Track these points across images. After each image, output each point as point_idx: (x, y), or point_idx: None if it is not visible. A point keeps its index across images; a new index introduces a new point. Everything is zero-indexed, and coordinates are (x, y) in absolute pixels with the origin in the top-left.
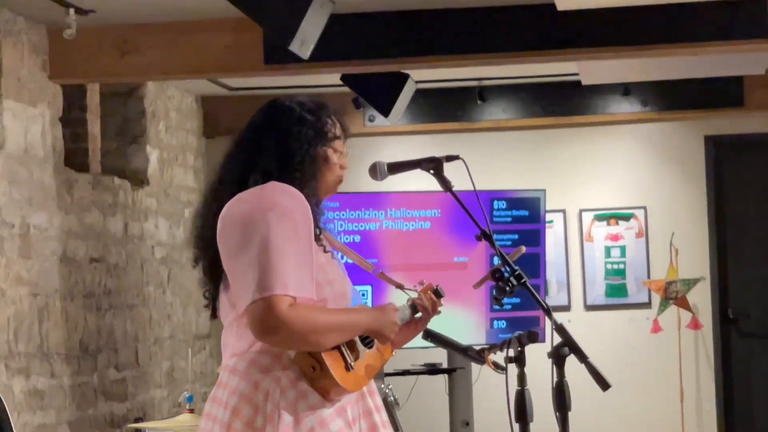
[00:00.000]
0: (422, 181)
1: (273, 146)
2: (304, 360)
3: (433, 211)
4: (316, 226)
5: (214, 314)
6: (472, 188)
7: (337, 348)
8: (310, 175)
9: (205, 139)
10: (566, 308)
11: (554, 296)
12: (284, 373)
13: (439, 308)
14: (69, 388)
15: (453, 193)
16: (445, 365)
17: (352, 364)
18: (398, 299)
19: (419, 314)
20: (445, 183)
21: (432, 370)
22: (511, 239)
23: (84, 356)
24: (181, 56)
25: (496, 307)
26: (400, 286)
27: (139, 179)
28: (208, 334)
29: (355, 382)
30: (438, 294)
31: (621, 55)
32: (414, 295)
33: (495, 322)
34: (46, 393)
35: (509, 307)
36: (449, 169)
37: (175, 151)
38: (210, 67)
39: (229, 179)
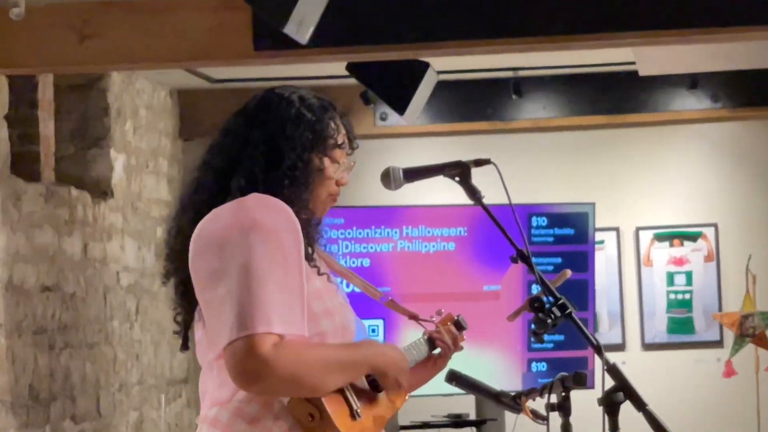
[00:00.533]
0: (445, 192)
1: (261, 143)
2: (300, 407)
3: (458, 229)
4: (309, 243)
5: (186, 344)
6: (506, 200)
7: (341, 392)
8: (301, 185)
9: (181, 142)
10: (620, 347)
11: (605, 332)
12: (276, 424)
13: (462, 343)
14: None
15: (483, 205)
16: (472, 416)
17: (359, 411)
18: (411, 334)
19: (437, 350)
20: (473, 193)
21: (458, 422)
22: (552, 263)
23: (34, 405)
24: (153, 41)
25: (536, 345)
26: (414, 317)
27: (101, 190)
28: (185, 379)
29: None
30: (459, 326)
31: (687, 40)
32: (431, 327)
33: (533, 364)
34: None
35: (550, 345)
36: (478, 177)
37: (146, 157)
38: (188, 54)
39: (209, 180)
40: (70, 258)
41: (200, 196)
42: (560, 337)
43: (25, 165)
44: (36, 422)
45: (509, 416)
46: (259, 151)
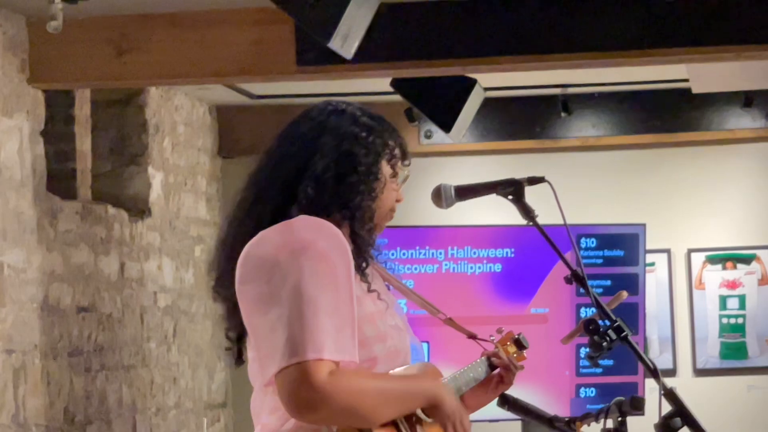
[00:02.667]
0: (492, 212)
1: (332, 150)
2: None
3: (505, 250)
4: (363, 257)
5: (240, 359)
6: (555, 221)
7: (393, 424)
8: (372, 193)
9: (220, 160)
10: (671, 372)
11: (656, 357)
12: None
13: (522, 363)
14: None
15: (537, 225)
16: None
17: None
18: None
19: (497, 371)
20: (527, 212)
21: None
22: (602, 285)
23: (69, 429)
24: (192, 56)
25: (585, 370)
26: (472, 336)
27: (138, 209)
28: (223, 403)
29: None
30: (521, 345)
31: (741, 56)
32: (490, 347)
33: (582, 390)
34: None
35: (600, 370)
36: (528, 198)
37: (184, 174)
38: (228, 69)
39: (273, 189)
40: (107, 278)
41: (263, 206)
42: (610, 362)
43: (61, 182)
44: None
45: None
46: (331, 158)
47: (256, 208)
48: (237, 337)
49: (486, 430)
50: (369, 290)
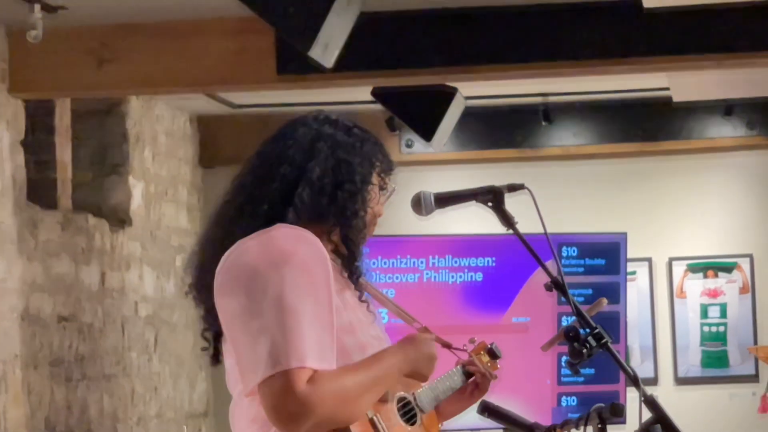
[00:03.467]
0: (472, 222)
1: (328, 155)
2: None
3: (486, 259)
4: (355, 266)
5: (216, 359)
6: (536, 229)
7: (370, 422)
8: (365, 202)
9: (201, 170)
10: (652, 381)
11: (637, 366)
12: None
13: (495, 372)
14: None
15: (517, 232)
16: None
17: None
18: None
19: (472, 378)
20: (507, 219)
21: None
22: (583, 294)
23: None
24: (173, 65)
25: (566, 379)
26: (447, 345)
27: (119, 218)
28: (204, 412)
29: None
30: (494, 354)
31: (722, 65)
32: (464, 356)
33: (564, 399)
34: None
35: (581, 379)
36: (509, 206)
37: (165, 184)
38: (209, 78)
39: (270, 189)
40: (88, 287)
41: (256, 208)
42: (591, 371)
43: (41, 192)
44: None
45: None
46: (328, 165)
47: (248, 210)
48: (213, 336)
49: None
50: (360, 300)
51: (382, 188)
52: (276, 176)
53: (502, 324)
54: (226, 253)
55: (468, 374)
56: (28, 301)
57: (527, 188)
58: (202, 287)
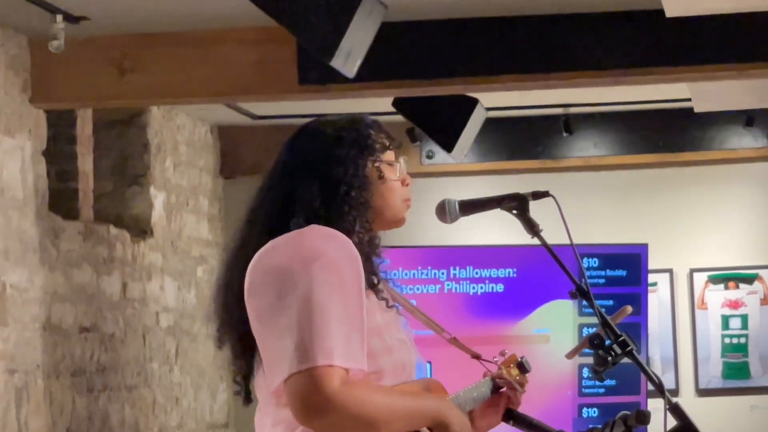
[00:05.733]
0: (494, 232)
1: (311, 180)
2: None
3: (507, 270)
4: (375, 274)
5: (249, 398)
6: (558, 240)
7: None
8: (362, 206)
9: (222, 180)
10: (674, 392)
11: None
12: None
13: (525, 385)
14: None
15: (542, 239)
16: None
17: None
18: (459, 379)
19: (503, 390)
20: (531, 227)
21: None
22: (604, 306)
23: None
24: (195, 75)
25: (587, 390)
26: (476, 357)
27: (140, 229)
28: (225, 423)
29: None
30: (523, 368)
31: (743, 75)
32: (493, 368)
33: (584, 410)
34: None
35: (602, 391)
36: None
37: (186, 195)
38: (230, 88)
39: (262, 221)
40: (109, 298)
41: (253, 239)
42: (612, 382)
43: (63, 202)
44: None
45: None
46: (313, 188)
47: (249, 236)
48: (245, 378)
49: None
50: (388, 306)
51: (389, 164)
52: (268, 209)
53: (523, 335)
54: (259, 252)
55: (497, 386)
56: (49, 311)
57: (552, 195)
58: (231, 325)
